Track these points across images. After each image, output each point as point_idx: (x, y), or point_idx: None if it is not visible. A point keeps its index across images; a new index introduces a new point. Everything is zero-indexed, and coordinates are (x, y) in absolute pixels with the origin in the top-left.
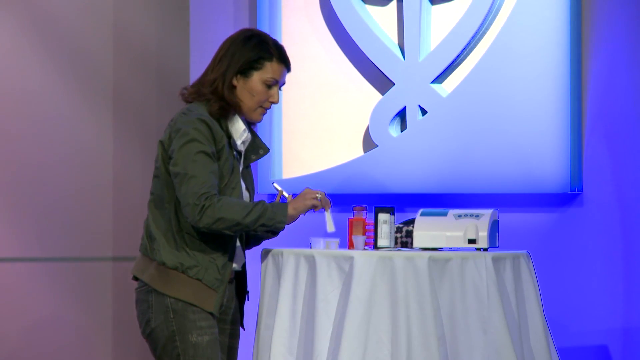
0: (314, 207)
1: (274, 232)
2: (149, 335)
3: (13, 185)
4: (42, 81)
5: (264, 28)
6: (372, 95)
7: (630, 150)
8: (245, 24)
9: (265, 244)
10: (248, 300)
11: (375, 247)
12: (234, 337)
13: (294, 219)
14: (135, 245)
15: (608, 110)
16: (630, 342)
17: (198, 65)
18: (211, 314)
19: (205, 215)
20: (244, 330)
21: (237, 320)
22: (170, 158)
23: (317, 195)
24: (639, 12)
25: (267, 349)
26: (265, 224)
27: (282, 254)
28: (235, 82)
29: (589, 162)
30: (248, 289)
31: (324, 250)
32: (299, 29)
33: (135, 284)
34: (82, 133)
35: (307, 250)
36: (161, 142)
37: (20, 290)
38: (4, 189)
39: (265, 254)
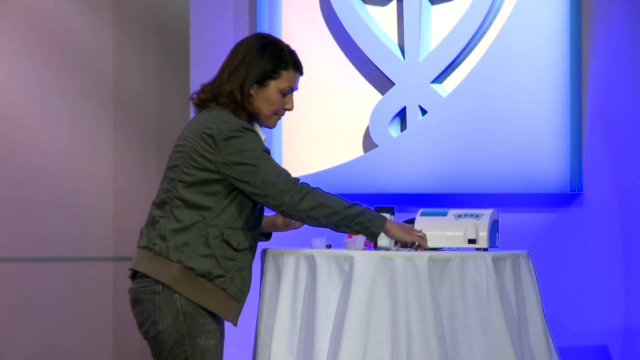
0: (409, 244)
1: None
2: (155, 337)
3: (13, 186)
4: (42, 81)
5: (264, 28)
6: (372, 95)
7: (630, 150)
8: (245, 24)
9: (266, 244)
10: None
11: (375, 247)
12: (222, 338)
13: (385, 234)
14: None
15: (608, 110)
16: (630, 342)
17: (198, 65)
18: (217, 319)
19: (306, 199)
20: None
21: (224, 320)
22: (215, 165)
23: (419, 237)
24: (639, 12)
25: (267, 349)
26: (363, 223)
27: (282, 254)
28: (252, 91)
29: (589, 162)
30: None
31: (324, 250)
32: (299, 29)
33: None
34: (82, 133)
35: (307, 250)
36: (194, 149)
37: (20, 290)
38: (4, 189)
39: (265, 254)
